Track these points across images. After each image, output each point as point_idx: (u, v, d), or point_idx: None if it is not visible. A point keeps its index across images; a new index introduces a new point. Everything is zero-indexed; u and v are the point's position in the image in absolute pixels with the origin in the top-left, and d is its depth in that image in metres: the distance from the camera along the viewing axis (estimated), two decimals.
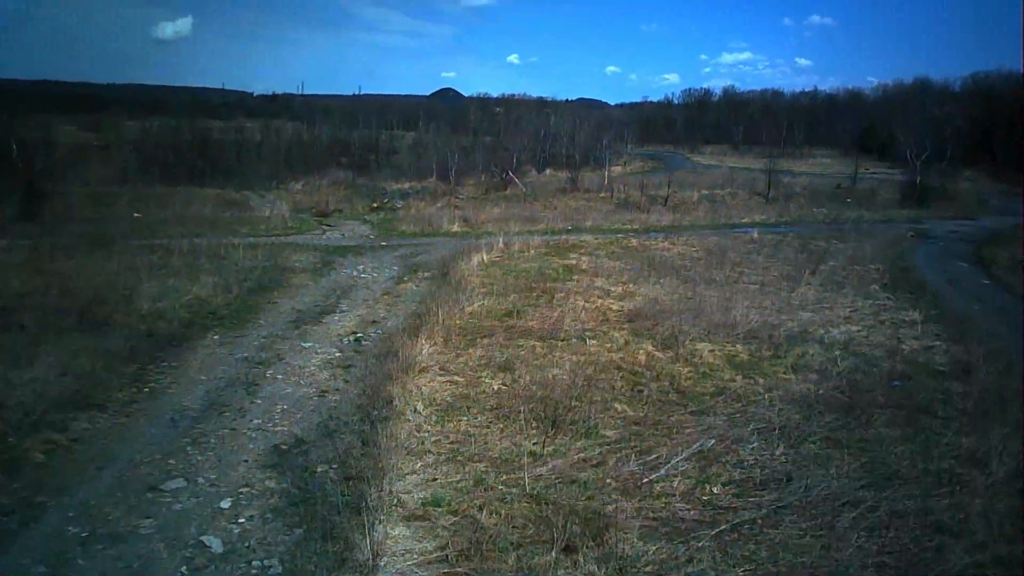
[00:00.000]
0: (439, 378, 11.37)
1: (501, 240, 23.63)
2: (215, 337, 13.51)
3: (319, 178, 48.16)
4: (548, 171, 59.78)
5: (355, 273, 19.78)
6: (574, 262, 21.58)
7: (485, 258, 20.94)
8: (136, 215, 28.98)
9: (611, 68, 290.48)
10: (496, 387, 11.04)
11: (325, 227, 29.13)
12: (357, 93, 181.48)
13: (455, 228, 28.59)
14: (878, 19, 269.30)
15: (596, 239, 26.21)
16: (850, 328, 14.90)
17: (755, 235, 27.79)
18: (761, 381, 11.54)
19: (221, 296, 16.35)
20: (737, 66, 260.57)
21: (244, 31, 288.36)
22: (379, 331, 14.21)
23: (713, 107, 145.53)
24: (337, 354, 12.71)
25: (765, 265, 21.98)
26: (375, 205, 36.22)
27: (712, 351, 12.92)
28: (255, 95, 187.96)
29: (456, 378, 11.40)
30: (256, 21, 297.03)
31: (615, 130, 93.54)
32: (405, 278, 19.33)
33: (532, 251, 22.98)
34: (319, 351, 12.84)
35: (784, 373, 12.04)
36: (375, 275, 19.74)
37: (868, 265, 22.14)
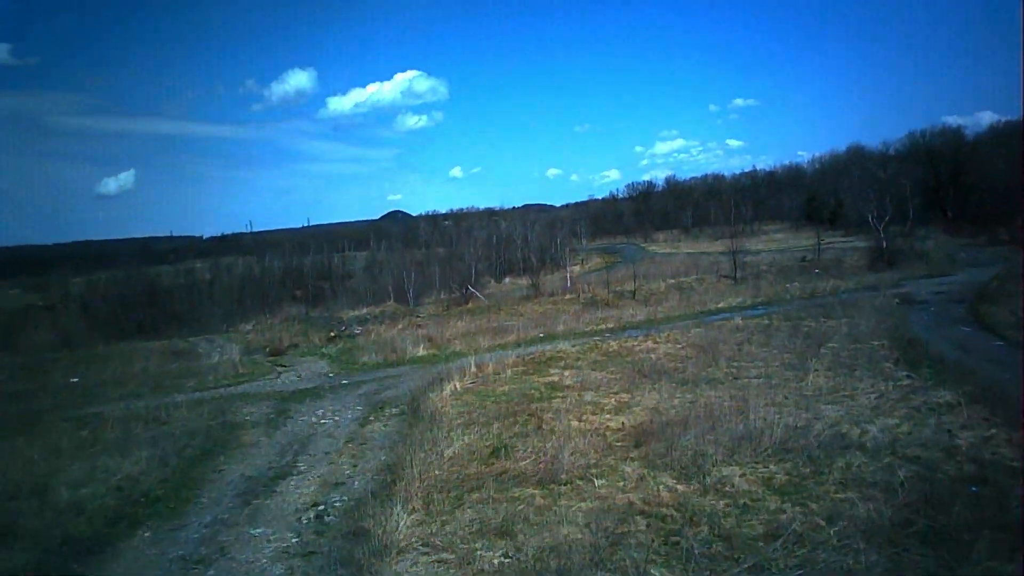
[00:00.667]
0: (423, 559, 9.03)
1: (472, 361, 21.52)
2: (146, 535, 10.98)
3: (272, 316, 46.00)
4: (507, 280, 58.65)
5: (314, 420, 17.40)
6: (556, 378, 19.53)
7: (458, 385, 18.78)
8: (73, 380, 26.37)
9: (552, 170, 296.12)
10: (497, 562, 8.74)
11: (280, 368, 26.74)
12: (307, 224, 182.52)
13: (420, 351, 26.45)
14: (800, 94, 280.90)
15: (573, 346, 24.26)
16: (887, 422, 12.93)
17: (739, 321, 26.15)
18: (815, 508, 9.42)
19: (157, 472, 13.84)
20: (672, 154, 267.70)
21: (188, 176, 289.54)
22: (344, 498, 11.83)
23: (658, 196, 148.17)
24: (294, 539, 10.26)
25: (762, 355, 20.17)
26: (332, 335, 34.02)
27: (743, 476, 10.78)
28: (204, 238, 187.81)
29: (444, 555, 9.06)
30: (200, 165, 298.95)
31: (566, 228, 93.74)
32: (371, 418, 17.00)
33: (508, 371, 20.90)
34: (272, 538, 10.38)
35: (837, 493, 9.95)
36: (337, 419, 17.38)
37: (870, 341, 20.45)
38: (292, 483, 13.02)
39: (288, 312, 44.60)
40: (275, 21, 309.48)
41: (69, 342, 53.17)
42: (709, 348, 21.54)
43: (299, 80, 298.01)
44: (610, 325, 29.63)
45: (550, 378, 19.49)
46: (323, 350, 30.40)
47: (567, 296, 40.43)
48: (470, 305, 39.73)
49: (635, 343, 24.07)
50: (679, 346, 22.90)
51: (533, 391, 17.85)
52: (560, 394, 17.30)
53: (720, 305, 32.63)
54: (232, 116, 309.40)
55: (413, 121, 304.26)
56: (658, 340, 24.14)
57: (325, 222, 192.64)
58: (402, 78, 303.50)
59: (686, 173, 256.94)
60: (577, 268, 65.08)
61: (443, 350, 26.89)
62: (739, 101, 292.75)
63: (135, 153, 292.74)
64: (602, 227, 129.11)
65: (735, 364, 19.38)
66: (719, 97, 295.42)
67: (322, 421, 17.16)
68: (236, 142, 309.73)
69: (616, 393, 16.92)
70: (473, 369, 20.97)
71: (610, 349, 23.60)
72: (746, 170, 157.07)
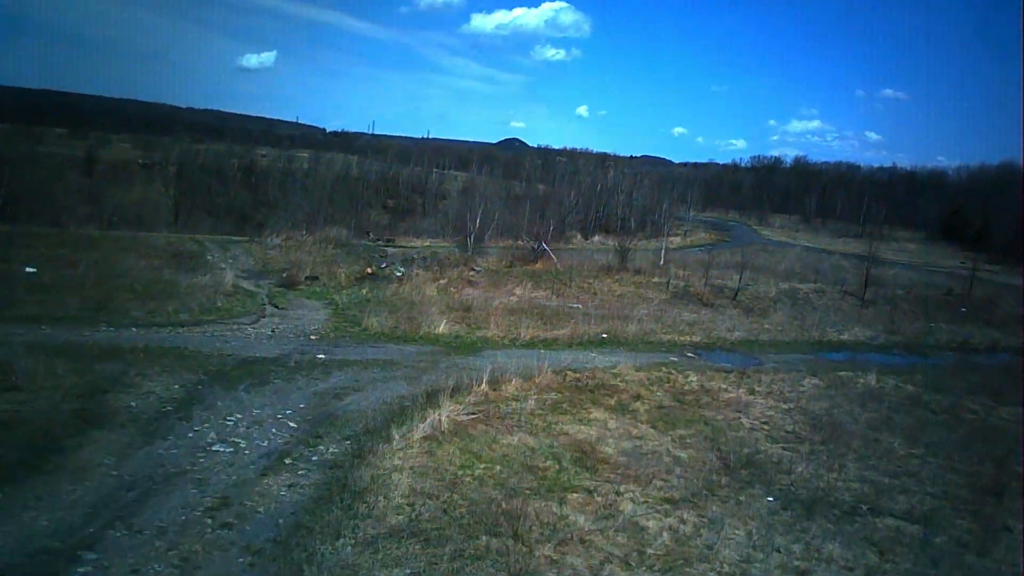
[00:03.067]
0: None
1: (490, 369, 15.03)
2: None
3: (346, 223, 40.11)
4: (597, 238, 51.17)
5: (211, 438, 11.19)
6: (595, 434, 12.82)
7: (444, 419, 12.28)
8: (29, 270, 21.33)
9: (678, 129, 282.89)
10: None
11: (272, 310, 20.96)
12: (426, 136, 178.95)
13: (442, 328, 20.00)
14: (953, 96, 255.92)
15: (638, 371, 17.35)
16: None
17: (872, 380, 18.68)
18: None
19: None
20: (805, 135, 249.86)
21: (324, 66, 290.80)
22: None
23: (783, 174, 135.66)
24: None
25: (913, 465, 12.94)
26: (369, 271, 28.06)
27: None
28: (327, 131, 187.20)
29: None
30: (337, 57, 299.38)
31: (678, 190, 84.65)
32: (287, 460, 10.74)
33: (532, 398, 14.30)
34: None
35: None
36: (236, 448, 11.06)
37: None
38: None
39: (370, 220, 37.93)
40: None
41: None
42: (829, 429, 14.38)
43: None
44: (696, 338, 22.49)
45: (585, 433, 12.79)
46: (342, 292, 24.41)
47: (655, 279, 33.16)
48: (538, 265, 32.87)
49: (724, 385, 17.02)
50: (785, 408, 15.75)
51: (547, 462, 11.20)
52: (584, 483, 10.61)
53: (844, 338, 24.92)
54: (379, 16, 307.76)
55: (551, 52, 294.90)
56: (756, 389, 17.00)
57: (445, 137, 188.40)
58: (548, 7, 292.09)
59: (816, 156, 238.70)
60: (677, 239, 57.11)
61: (472, 330, 20.42)
62: (889, 91, 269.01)
63: (279, 33, 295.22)
64: (717, 197, 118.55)
65: (869, 474, 12.28)
66: (868, 83, 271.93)
67: (217, 445, 10.96)
68: (376, 42, 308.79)
69: (674, 507, 10.18)
70: (484, 387, 14.48)
71: (687, 388, 16.64)
72: (884, 165, 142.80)
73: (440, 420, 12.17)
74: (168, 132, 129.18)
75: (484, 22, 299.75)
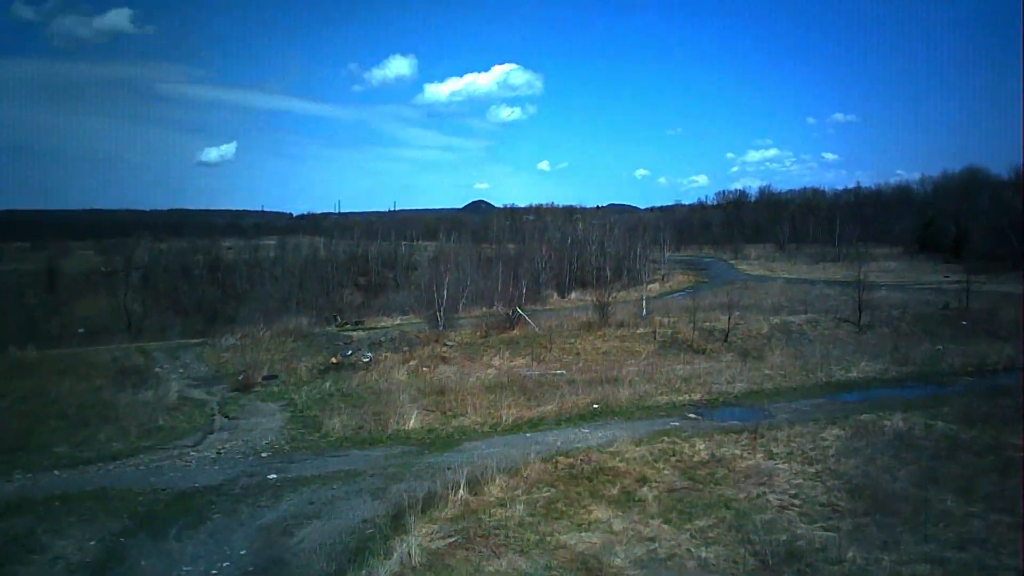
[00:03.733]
0: None
1: (464, 479, 12.76)
2: None
3: (276, 321, 37.41)
4: (574, 294, 49.30)
5: None
6: (597, 541, 10.60)
7: (415, 549, 10.01)
8: None
9: (640, 171, 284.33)
10: None
11: (223, 420, 18.65)
12: (393, 208, 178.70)
13: (412, 423, 17.67)
14: (902, 112, 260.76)
15: (638, 445, 15.16)
16: None
17: (899, 421, 16.63)
18: None
19: None
20: (764, 163, 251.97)
21: (285, 152, 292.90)
22: None
23: (750, 207, 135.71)
24: None
25: (977, 528, 10.80)
26: (334, 360, 25.83)
27: None
28: (293, 215, 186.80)
29: None
30: (296, 142, 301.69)
31: (649, 234, 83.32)
32: None
33: (521, 501, 12.04)
34: None
35: None
36: None
37: None
38: None
39: (292, 322, 35.48)
40: (382, 5, 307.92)
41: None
42: (868, 493, 12.26)
43: (400, 66, 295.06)
44: (696, 396, 20.40)
45: (587, 542, 10.54)
46: (302, 389, 22.13)
47: (640, 330, 31.19)
48: (515, 331, 30.73)
49: (738, 451, 14.87)
50: (813, 472, 13.59)
51: None
52: None
53: (852, 375, 22.92)
54: (332, 96, 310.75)
55: (506, 113, 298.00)
56: (775, 451, 14.85)
57: (411, 207, 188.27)
58: (500, 70, 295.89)
59: (778, 183, 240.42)
60: (656, 287, 55.40)
61: (448, 420, 18.17)
62: (839, 116, 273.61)
63: (237, 125, 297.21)
64: (688, 236, 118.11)
65: (930, 549, 10.11)
66: (818, 110, 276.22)
67: None
68: (333, 122, 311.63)
69: None
70: (462, 493, 12.23)
71: (697, 460, 14.46)
72: (848, 187, 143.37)
73: (410, 551, 9.90)
74: (131, 234, 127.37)
75: (437, 91, 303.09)
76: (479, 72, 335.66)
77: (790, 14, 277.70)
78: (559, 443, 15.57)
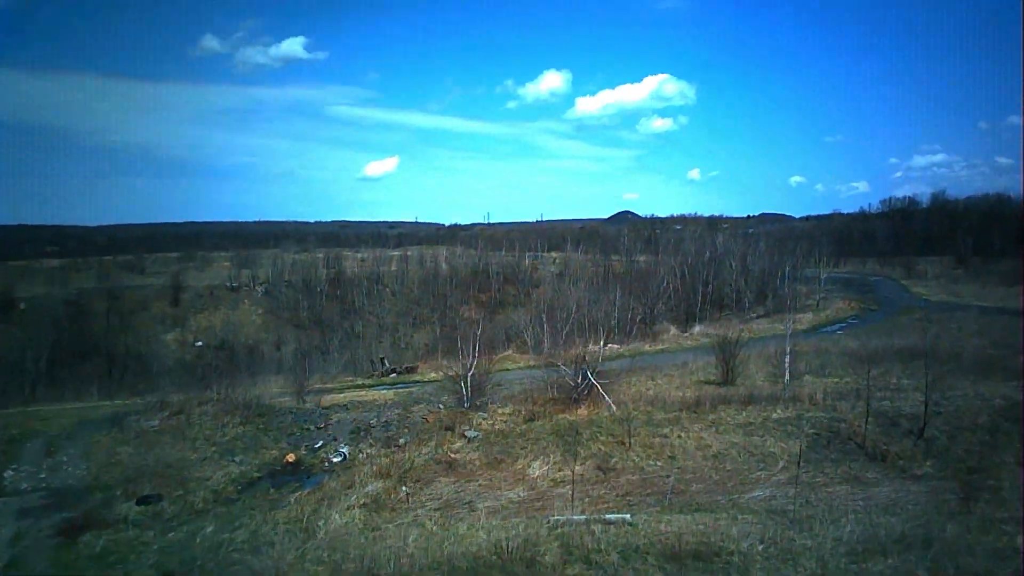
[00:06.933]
0: None
1: None
2: None
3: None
4: (697, 328, 38.02)
5: None
6: None
7: None
8: None
9: (796, 178, 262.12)
10: None
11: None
12: (540, 219, 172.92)
13: None
14: None
15: None
16: None
17: None
18: None
19: None
20: (931, 168, 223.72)
21: (441, 166, 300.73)
22: None
23: (921, 215, 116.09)
24: None
25: None
26: (289, 460, 17.28)
27: None
28: (446, 225, 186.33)
29: None
30: (452, 157, 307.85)
31: (802, 247, 69.64)
32: None
33: None
34: None
35: None
36: None
37: None
38: None
39: (463, 316, 26.79)
40: (537, 22, 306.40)
41: None
42: None
43: (553, 81, 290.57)
44: None
45: None
46: (181, 529, 13.27)
47: (778, 412, 20.08)
48: (581, 411, 20.29)
49: None
50: None
51: None
52: None
53: None
54: (487, 114, 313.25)
55: (658, 123, 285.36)
56: None
57: (558, 217, 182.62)
58: (652, 80, 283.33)
59: (951, 190, 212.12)
60: (808, 316, 43.12)
61: None
62: (1014, 119, 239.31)
63: (398, 142, 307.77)
64: (848, 248, 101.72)
65: None
66: (990, 113, 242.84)
67: None
68: (487, 137, 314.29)
69: None
70: None
71: None
72: None
73: None
74: (278, 245, 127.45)
75: (589, 104, 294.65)
76: (631, 83, 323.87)
77: (955, 12, 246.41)
78: None
